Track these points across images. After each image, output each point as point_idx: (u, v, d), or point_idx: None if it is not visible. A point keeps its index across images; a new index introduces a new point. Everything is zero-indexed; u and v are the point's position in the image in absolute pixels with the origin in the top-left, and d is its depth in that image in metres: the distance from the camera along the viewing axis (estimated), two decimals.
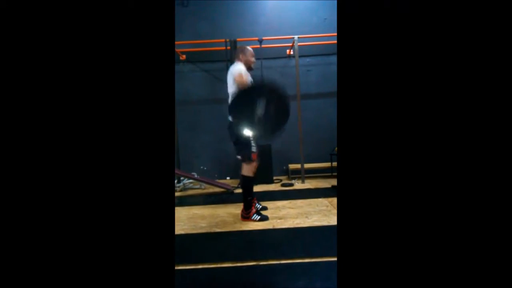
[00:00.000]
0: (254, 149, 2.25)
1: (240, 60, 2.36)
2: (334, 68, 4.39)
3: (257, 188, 3.41)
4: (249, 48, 2.43)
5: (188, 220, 2.46)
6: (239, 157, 2.34)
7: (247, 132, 2.05)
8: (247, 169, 2.31)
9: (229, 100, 2.26)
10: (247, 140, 2.22)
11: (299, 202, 2.87)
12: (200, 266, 1.54)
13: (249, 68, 2.37)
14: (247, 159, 2.28)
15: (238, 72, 2.22)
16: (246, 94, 2.02)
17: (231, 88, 2.26)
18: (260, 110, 1.73)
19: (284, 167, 4.57)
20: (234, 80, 2.22)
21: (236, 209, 2.68)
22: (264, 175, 3.88)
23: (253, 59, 2.41)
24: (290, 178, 4.35)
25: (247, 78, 2.25)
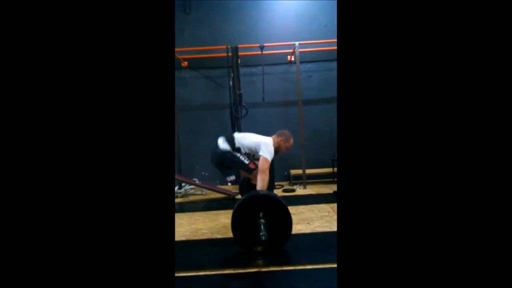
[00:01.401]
0: (246, 161, 2.24)
1: (277, 140, 2.31)
2: (335, 73, 4.40)
3: None
4: (292, 140, 2.39)
5: (189, 226, 2.45)
6: (231, 178, 2.27)
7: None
8: (254, 178, 2.27)
9: (241, 145, 2.25)
10: (234, 159, 2.21)
11: (301, 208, 2.85)
12: (201, 273, 1.53)
13: (277, 151, 2.32)
14: (248, 171, 2.26)
15: (266, 160, 2.12)
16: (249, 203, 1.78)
17: (252, 147, 2.25)
18: (262, 232, 1.56)
19: (286, 173, 4.56)
20: (260, 159, 2.16)
21: None
22: None
23: (286, 150, 2.38)
24: (291, 184, 4.33)
25: (268, 173, 2.16)
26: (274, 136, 2.37)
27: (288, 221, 1.70)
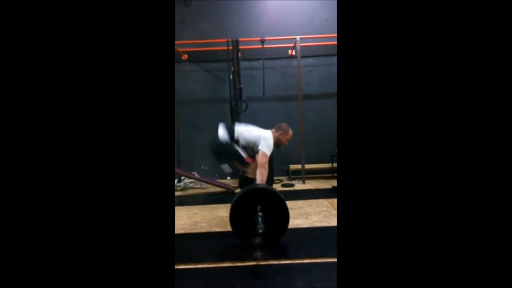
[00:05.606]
0: (243, 154, 2.28)
1: (276, 134, 2.34)
2: (336, 68, 4.39)
3: None
4: (291, 132, 2.42)
5: (188, 219, 2.46)
6: (225, 167, 2.38)
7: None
8: (253, 171, 2.31)
9: (243, 140, 2.29)
10: (232, 151, 2.26)
11: (300, 202, 2.87)
12: (200, 266, 1.54)
13: (278, 145, 2.37)
14: (243, 164, 2.31)
15: (265, 155, 2.13)
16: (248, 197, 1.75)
17: (250, 140, 2.29)
18: (259, 224, 1.56)
19: (285, 168, 4.57)
20: (259, 154, 2.17)
21: None
22: None
23: (287, 142, 2.42)
24: (290, 179, 4.35)
25: (267, 168, 2.15)
26: (273, 130, 2.39)
27: (285, 214, 1.71)
